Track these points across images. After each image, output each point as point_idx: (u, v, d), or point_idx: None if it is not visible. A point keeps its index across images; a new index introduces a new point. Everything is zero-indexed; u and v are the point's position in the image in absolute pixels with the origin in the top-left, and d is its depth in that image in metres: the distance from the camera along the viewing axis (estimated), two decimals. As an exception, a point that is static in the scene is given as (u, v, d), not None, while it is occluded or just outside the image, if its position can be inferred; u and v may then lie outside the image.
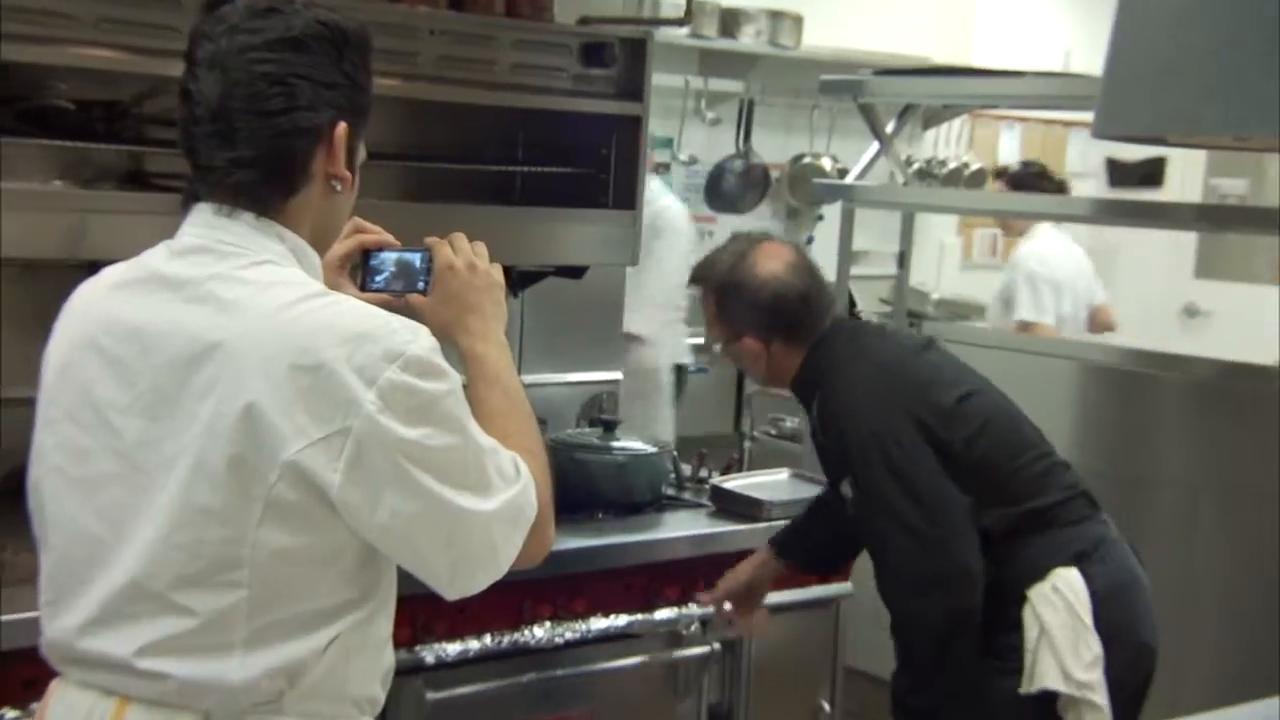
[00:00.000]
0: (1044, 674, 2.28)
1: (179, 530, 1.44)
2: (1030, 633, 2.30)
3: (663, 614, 2.77)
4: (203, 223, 1.52)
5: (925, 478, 2.30)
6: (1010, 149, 6.70)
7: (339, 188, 1.54)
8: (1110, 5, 1.25)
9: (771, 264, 2.47)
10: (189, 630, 1.44)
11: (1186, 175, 6.85)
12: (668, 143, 5.15)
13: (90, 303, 1.56)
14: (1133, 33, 1.15)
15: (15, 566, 2.15)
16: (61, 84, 2.47)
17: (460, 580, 1.52)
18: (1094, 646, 2.30)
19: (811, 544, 2.74)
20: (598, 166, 3.01)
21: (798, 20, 5.33)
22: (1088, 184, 6.81)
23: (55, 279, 2.57)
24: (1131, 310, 5.67)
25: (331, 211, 1.57)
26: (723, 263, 2.51)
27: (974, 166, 6.20)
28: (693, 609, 2.80)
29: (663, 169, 5.11)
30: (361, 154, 1.59)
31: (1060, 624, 2.29)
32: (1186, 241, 6.66)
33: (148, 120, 2.58)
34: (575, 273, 3.08)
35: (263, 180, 1.50)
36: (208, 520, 1.43)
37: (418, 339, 1.46)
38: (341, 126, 1.52)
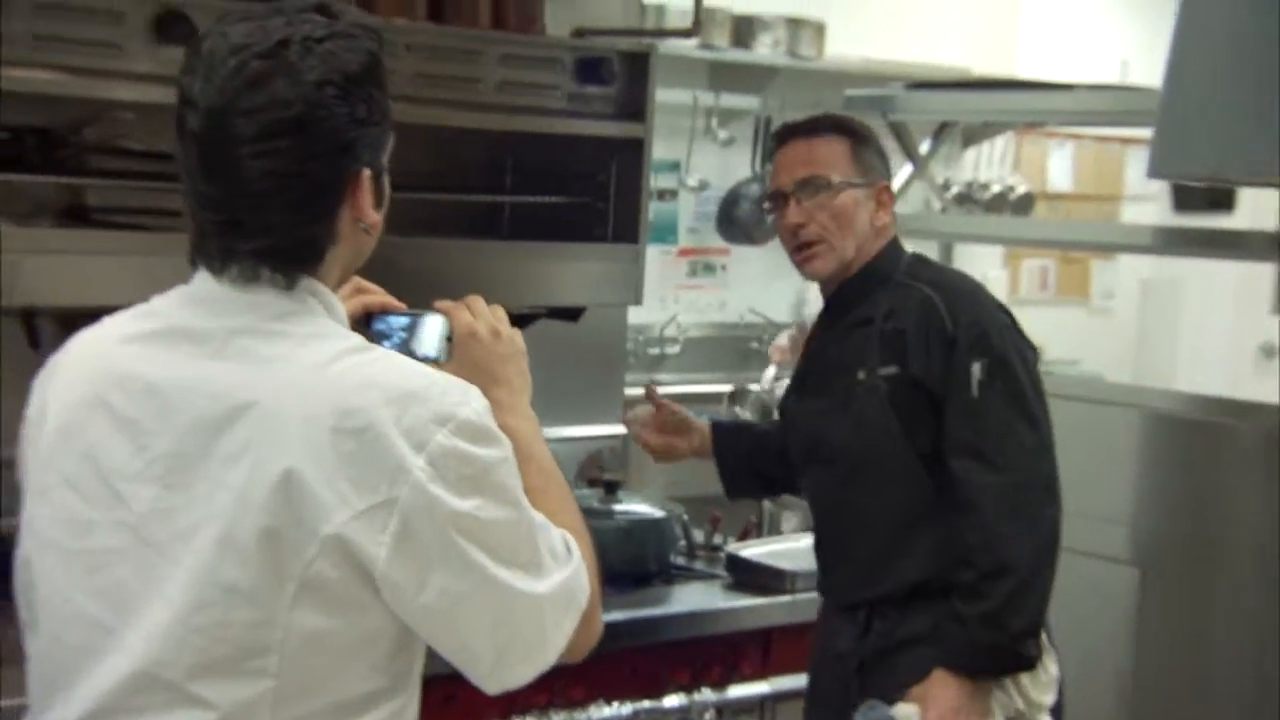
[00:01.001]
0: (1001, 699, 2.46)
1: (199, 611, 1.42)
2: None
3: (672, 701, 2.77)
4: (223, 276, 1.51)
5: (1041, 388, 2.53)
6: (1061, 170, 6.72)
7: (368, 229, 1.56)
8: (1172, 9, 1.26)
9: None
10: None
11: (1261, 199, 6.86)
12: (674, 167, 5.16)
13: (95, 355, 1.55)
14: (1190, 67, 1.16)
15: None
16: None
17: (504, 669, 1.51)
18: (1051, 668, 2.47)
19: (746, 457, 2.85)
20: (596, 195, 3.03)
21: (819, 28, 5.34)
22: (1149, 209, 6.82)
23: None
24: (1199, 351, 5.66)
25: (360, 252, 1.59)
26: (841, 115, 2.73)
27: (1020, 190, 6.21)
28: (706, 695, 2.79)
29: (669, 196, 5.13)
30: (384, 184, 1.58)
31: None
32: (1262, 273, 6.66)
33: (88, 149, 2.60)
34: (572, 314, 3.10)
35: (289, 260, 1.50)
36: (234, 600, 1.42)
37: (469, 400, 1.47)
38: (365, 175, 1.52)
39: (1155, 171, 1.11)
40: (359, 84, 1.50)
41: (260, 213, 1.48)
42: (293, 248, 1.50)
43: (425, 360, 1.70)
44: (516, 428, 1.64)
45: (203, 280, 1.52)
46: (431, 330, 1.72)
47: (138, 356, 1.51)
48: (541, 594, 1.50)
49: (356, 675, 1.47)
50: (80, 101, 2.47)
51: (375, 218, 1.55)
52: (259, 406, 1.43)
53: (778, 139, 2.64)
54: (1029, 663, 2.44)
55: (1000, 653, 2.42)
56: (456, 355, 1.71)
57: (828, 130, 2.62)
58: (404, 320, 1.73)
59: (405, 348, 1.71)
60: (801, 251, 2.57)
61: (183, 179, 1.51)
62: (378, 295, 1.75)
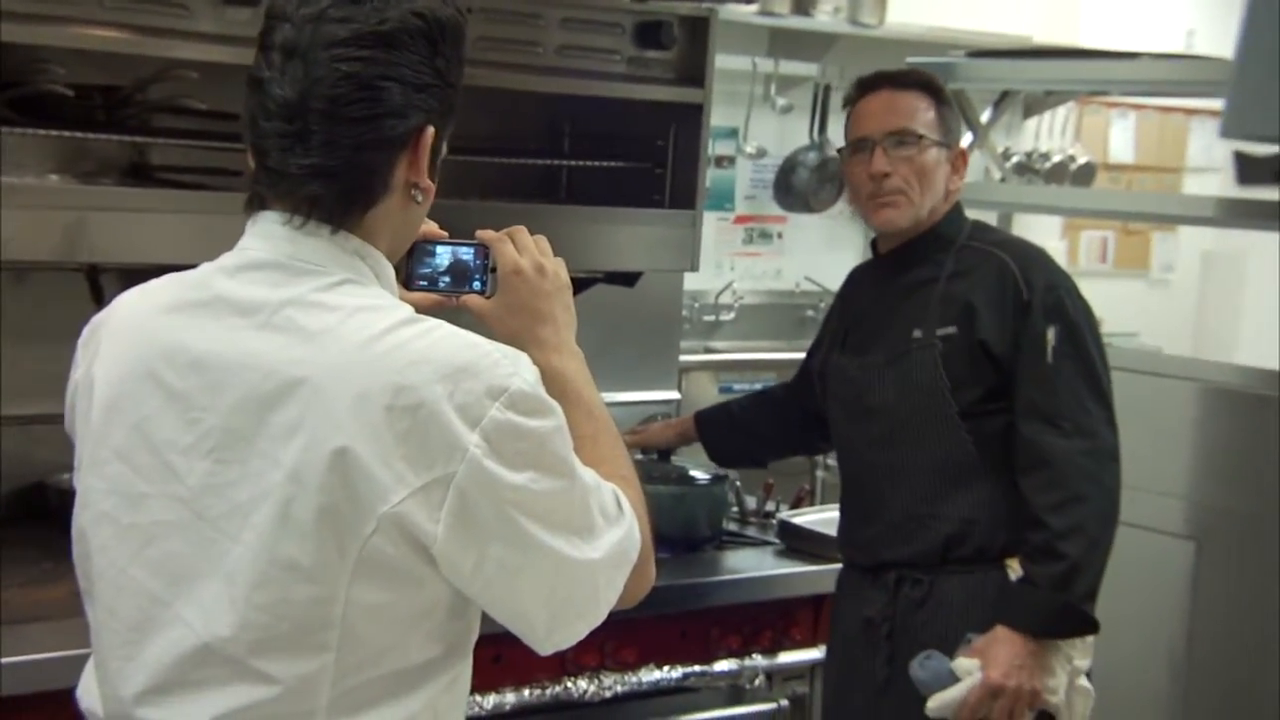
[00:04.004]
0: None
1: (260, 589, 1.42)
2: None
3: (722, 665, 2.77)
4: (272, 235, 1.49)
5: (1106, 356, 2.57)
6: (1123, 141, 6.65)
7: (420, 198, 1.53)
8: (1240, -24, 1.24)
9: None
10: (269, 699, 1.43)
11: (1327, 172, 6.76)
12: (732, 133, 5.13)
13: (140, 326, 1.53)
14: (1264, 28, 1.14)
15: (17, 605, 2.19)
16: (59, 68, 2.50)
17: (558, 632, 1.52)
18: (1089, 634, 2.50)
19: (740, 435, 2.96)
20: (654, 160, 3.02)
21: None
22: (1211, 180, 6.74)
23: (52, 283, 2.67)
24: (1259, 325, 5.59)
25: (409, 222, 1.56)
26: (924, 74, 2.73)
27: (1081, 160, 6.14)
28: (757, 660, 2.79)
29: (727, 162, 5.11)
30: (441, 152, 1.56)
31: None
32: (1327, 246, 6.58)
33: (152, 108, 2.61)
34: (628, 279, 3.10)
35: (341, 193, 1.48)
36: (295, 577, 1.41)
37: (519, 370, 1.45)
38: (429, 132, 1.50)
39: (1228, 131, 1.10)
40: (445, 36, 1.50)
41: (327, 123, 1.44)
42: (347, 174, 1.47)
43: (465, 291, 1.68)
44: (563, 368, 1.63)
45: (251, 240, 1.51)
46: (475, 263, 1.68)
47: (184, 328, 1.49)
48: (595, 559, 1.49)
49: (414, 645, 1.46)
50: (145, 60, 2.47)
51: (429, 182, 1.53)
52: (309, 383, 1.41)
53: (863, 87, 2.63)
54: (1093, 625, 2.46)
55: (1068, 614, 2.43)
56: (501, 291, 1.67)
57: (917, 85, 2.62)
58: (446, 249, 1.69)
59: (448, 283, 1.68)
60: (878, 199, 2.56)
61: (250, 107, 1.48)
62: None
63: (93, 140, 2.55)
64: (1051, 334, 2.48)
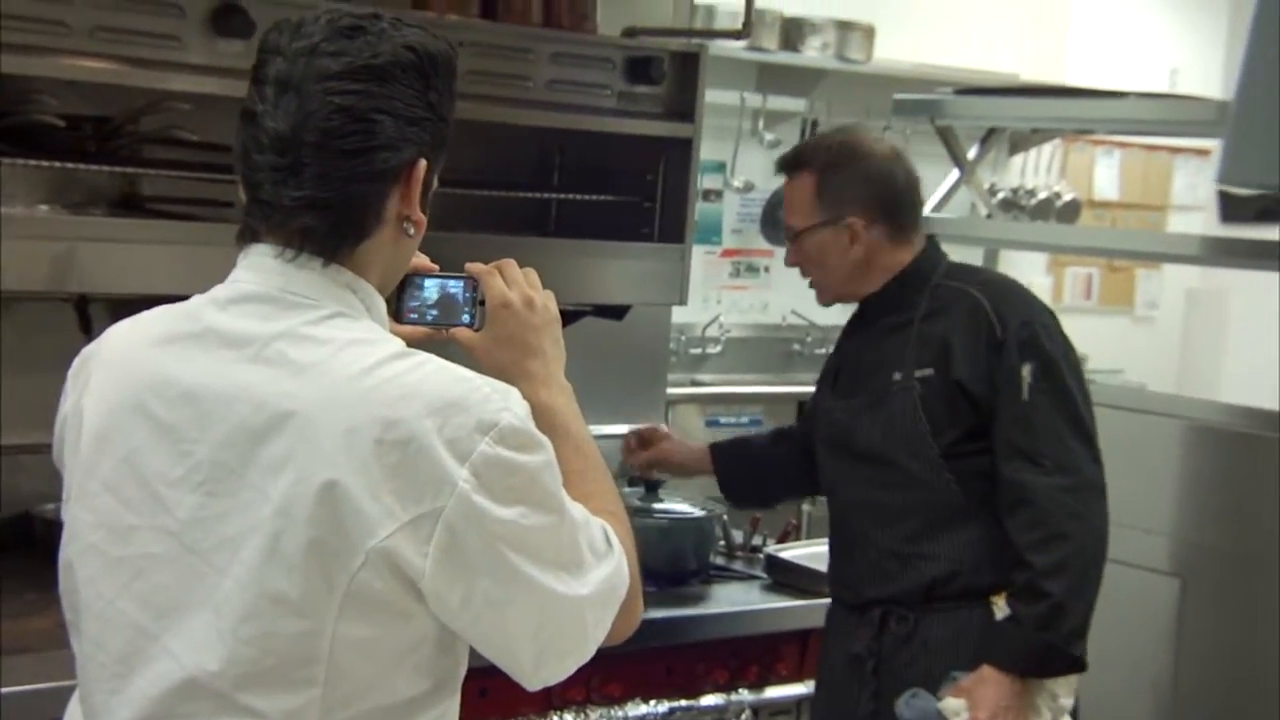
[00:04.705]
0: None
1: (247, 622, 1.41)
2: None
3: (709, 700, 2.76)
4: (263, 267, 1.49)
5: (1088, 391, 2.56)
6: (1108, 178, 6.69)
7: (411, 231, 1.53)
8: (1223, 19, 1.26)
9: (881, 145, 2.67)
10: None
11: (1309, 211, 6.80)
12: (720, 167, 5.16)
13: (131, 358, 1.53)
14: (1262, 75, 1.15)
15: (2, 636, 2.18)
16: (50, 98, 2.50)
17: (546, 667, 1.51)
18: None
19: (758, 471, 2.92)
20: (643, 194, 3.03)
21: (869, 32, 5.33)
22: (1195, 218, 6.78)
23: (41, 313, 2.66)
24: (1243, 363, 5.61)
25: (401, 255, 1.57)
26: (829, 140, 2.74)
27: (1066, 197, 6.18)
28: (743, 695, 2.78)
29: (714, 196, 5.12)
30: (433, 185, 1.56)
31: None
32: (1309, 284, 6.61)
33: (143, 139, 2.62)
34: (617, 313, 3.10)
35: (333, 226, 1.48)
36: (282, 611, 1.41)
37: (509, 405, 1.44)
38: (421, 165, 1.50)
39: (1227, 178, 1.11)
40: (437, 70, 1.51)
41: (320, 155, 1.45)
42: (340, 207, 1.47)
43: (453, 324, 1.68)
44: (551, 403, 1.63)
45: (242, 273, 1.51)
46: (464, 295, 1.69)
47: (175, 360, 1.49)
48: (584, 595, 1.49)
49: (401, 680, 1.46)
50: (137, 92, 2.48)
51: (420, 215, 1.53)
52: (299, 416, 1.40)
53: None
54: (1080, 664, 2.44)
55: (1053, 653, 2.42)
56: (490, 325, 1.67)
57: (796, 168, 2.64)
58: (435, 284, 1.69)
59: (437, 316, 1.69)
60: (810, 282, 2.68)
61: (242, 140, 1.49)
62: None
63: (84, 171, 2.55)
64: (1027, 370, 2.47)
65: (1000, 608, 2.47)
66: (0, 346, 2.61)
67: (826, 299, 2.68)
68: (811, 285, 2.67)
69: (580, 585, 1.48)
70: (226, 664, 1.42)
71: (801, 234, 2.59)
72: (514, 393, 1.47)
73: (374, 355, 1.43)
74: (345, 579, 1.39)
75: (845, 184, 2.58)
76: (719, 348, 4.93)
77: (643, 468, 2.99)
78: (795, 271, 2.68)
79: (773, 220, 5.28)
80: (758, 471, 2.93)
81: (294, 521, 1.39)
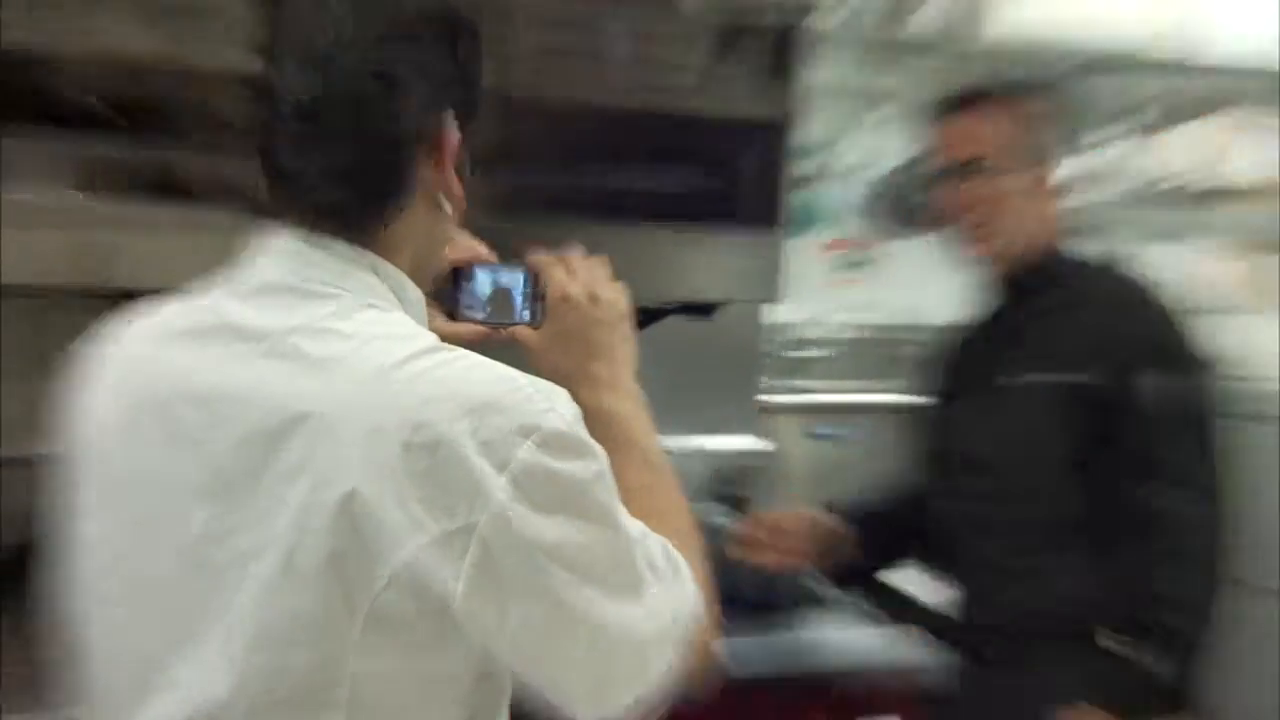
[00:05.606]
0: None
1: (262, 645, 1.34)
2: None
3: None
4: (282, 251, 1.45)
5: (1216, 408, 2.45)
6: (1251, 160, 6.55)
7: (447, 206, 1.49)
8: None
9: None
10: None
11: None
12: (820, 151, 5.09)
13: (143, 354, 1.47)
14: None
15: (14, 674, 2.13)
16: (84, 77, 2.46)
17: (600, 701, 1.41)
18: None
19: (899, 528, 2.73)
20: (731, 180, 2.94)
21: (982, 4, 5.28)
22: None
23: (69, 311, 2.59)
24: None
25: (436, 236, 1.52)
26: (1027, 81, 2.58)
27: (1206, 183, 6.07)
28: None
29: (813, 182, 5.04)
30: (467, 159, 1.53)
31: None
32: None
33: (182, 119, 2.56)
34: (704, 310, 2.99)
35: (358, 197, 1.44)
36: (300, 632, 1.33)
37: (556, 406, 1.37)
38: (452, 128, 1.47)
39: None
40: (463, 33, 1.48)
41: (342, 120, 1.40)
42: (364, 175, 1.42)
43: (513, 322, 1.62)
44: (616, 409, 1.57)
45: (261, 257, 1.46)
46: (523, 289, 1.63)
47: (187, 357, 1.43)
48: (639, 616, 1.39)
49: (435, 711, 1.37)
50: (177, 71, 2.46)
51: (456, 189, 1.46)
52: (317, 417, 1.32)
53: (938, 110, 2.55)
54: (1187, 703, 2.33)
55: (1160, 690, 2.31)
56: (549, 320, 1.61)
57: (990, 103, 2.50)
58: (491, 276, 1.63)
59: (492, 306, 1.62)
60: (965, 234, 2.51)
61: (260, 110, 1.43)
62: (464, 248, 1.66)
63: (113, 154, 2.52)
64: (1156, 384, 2.35)
65: (1108, 641, 2.35)
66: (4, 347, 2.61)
67: (990, 251, 2.51)
68: (974, 235, 2.51)
69: (635, 607, 1.39)
70: (236, 693, 1.34)
71: (995, 170, 2.46)
72: (562, 394, 1.38)
73: (401, 350, 1.35)
74: (367, 599, 1.30)
75: (1042, 134, 2.51)
76: (819, 351, 4.85)
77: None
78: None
79: (880, 208, 5.21)
80: (900, 528, 2.77)
81: (312, 533, 1.31)
